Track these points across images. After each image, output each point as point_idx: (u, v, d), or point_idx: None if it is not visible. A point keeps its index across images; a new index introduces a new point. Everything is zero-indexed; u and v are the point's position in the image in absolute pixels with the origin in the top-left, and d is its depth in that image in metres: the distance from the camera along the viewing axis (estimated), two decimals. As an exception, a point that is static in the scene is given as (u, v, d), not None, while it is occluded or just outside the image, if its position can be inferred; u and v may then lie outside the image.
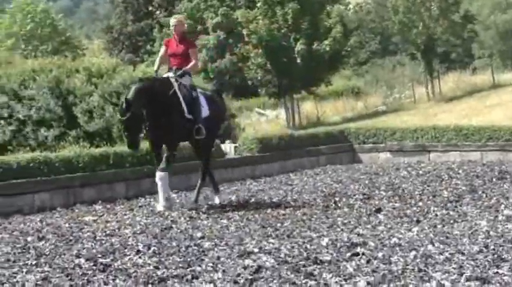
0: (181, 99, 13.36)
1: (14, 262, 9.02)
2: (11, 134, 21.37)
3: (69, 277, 8.13)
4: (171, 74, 13.79)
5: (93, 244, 10.14)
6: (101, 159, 16.01)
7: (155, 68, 14.30)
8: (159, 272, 8.27)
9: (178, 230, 11.16)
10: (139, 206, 14.16)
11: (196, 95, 13.74)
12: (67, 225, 11.86)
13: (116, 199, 15.12)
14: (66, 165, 15.17)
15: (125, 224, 11.84)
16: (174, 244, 9.96)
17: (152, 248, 9.64)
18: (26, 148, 19.21)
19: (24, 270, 8.51)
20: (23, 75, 23.42)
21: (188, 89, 13.66)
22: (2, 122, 21.57)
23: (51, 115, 22.92)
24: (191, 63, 13.96)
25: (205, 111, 13.79)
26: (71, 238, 10.68)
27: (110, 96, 22.62)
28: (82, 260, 8.97)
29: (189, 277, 8.00)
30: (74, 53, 57.86)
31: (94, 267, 8.63)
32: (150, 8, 64.09)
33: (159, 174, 13.20)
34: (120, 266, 8.65)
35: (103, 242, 10.30)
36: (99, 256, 9.25)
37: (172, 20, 14.36)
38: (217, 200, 14.25)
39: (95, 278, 8.08)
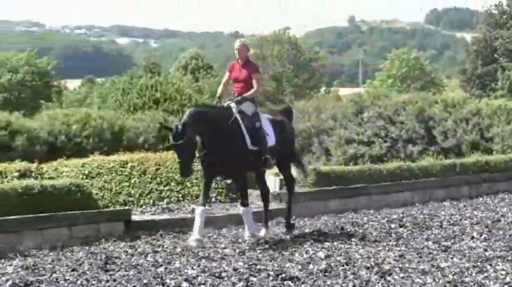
0: (243, 129, 9.43)
1: (379, 242, 9.15)
2: (386, 149, 22.38)
3: (419, 255, 8.13)
4: (230, 102, 9.70)
5: (439, 231, 10.03)
6: (450, 167, 15.76)
7: (218, 93, 10.07)
8: (487, 254, 8.04)
9: (505, 222, 10.69)
10: (478, 204, 13.64)
11: (259, 125, 9.59)
12: (421, 216, 11.76)
13: (461, 198, 14.68)
14: (423, 171, 15.13)
15: (465, 216, 11.53)
16: (500, 232, 9.60)
17: (483, 235, 9.37)
18: (397, 159, 19.57)
19: (386, 249, 8.60)
20: (396, 105, 23.91)
21: (250, 119, 9.56)
22: (380, 140, 22.57)
23: (416, 135, 23.09)
24: (252, 90, 9.73)
25: (271, 140, 9.72)
26: (424, 226, 10.62)
27: (460, 121, 22.44)
28: (430, 243, 8.93)
29: (509, 258, 7.68)
30: (436, 90, 57.22)
31: (438, 248, 8.56)
32: (495, 55, 62.49)
33: (199, 208, 9.21)
34: (457, 248, 8.51)
35: (447, 229, 10.15)
36: (443, 239, 9.14)
37: (237, 44, 9.95)
38: (262, 233, 9.80)
39: (438, 256, 8.01)
